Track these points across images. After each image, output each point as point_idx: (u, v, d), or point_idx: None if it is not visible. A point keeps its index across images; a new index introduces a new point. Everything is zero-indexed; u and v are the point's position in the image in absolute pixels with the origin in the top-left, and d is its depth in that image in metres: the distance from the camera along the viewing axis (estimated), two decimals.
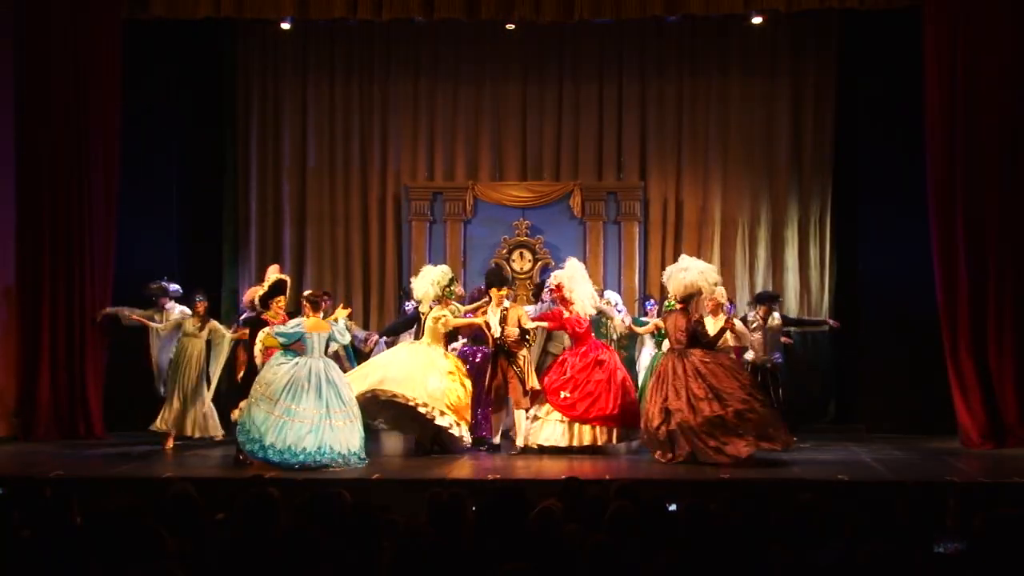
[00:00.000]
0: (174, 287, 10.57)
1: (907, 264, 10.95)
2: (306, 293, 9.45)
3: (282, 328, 8.94)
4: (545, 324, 9.98)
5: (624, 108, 12.39)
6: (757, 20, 11.37)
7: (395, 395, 9.33)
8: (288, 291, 9.65)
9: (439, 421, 9.28)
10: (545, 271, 11.46)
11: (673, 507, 5.02)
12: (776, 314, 10.71)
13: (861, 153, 11.71)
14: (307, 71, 12.53)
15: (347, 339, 9.64)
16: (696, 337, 9.12)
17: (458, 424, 9.36)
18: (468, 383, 9.55)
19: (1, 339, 10.66)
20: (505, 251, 11.91)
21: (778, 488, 6.75)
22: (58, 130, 10.69)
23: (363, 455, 8.86)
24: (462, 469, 8.81)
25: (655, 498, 5.13)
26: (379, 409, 9.60)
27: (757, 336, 10.44)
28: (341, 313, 9.57)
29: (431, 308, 9.79)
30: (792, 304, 12.02)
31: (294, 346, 8.89)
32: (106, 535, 4.25)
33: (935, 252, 10.31)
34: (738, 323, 10.10)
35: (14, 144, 10.71)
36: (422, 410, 9.27)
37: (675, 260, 12.19)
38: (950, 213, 10.26)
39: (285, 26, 11.48)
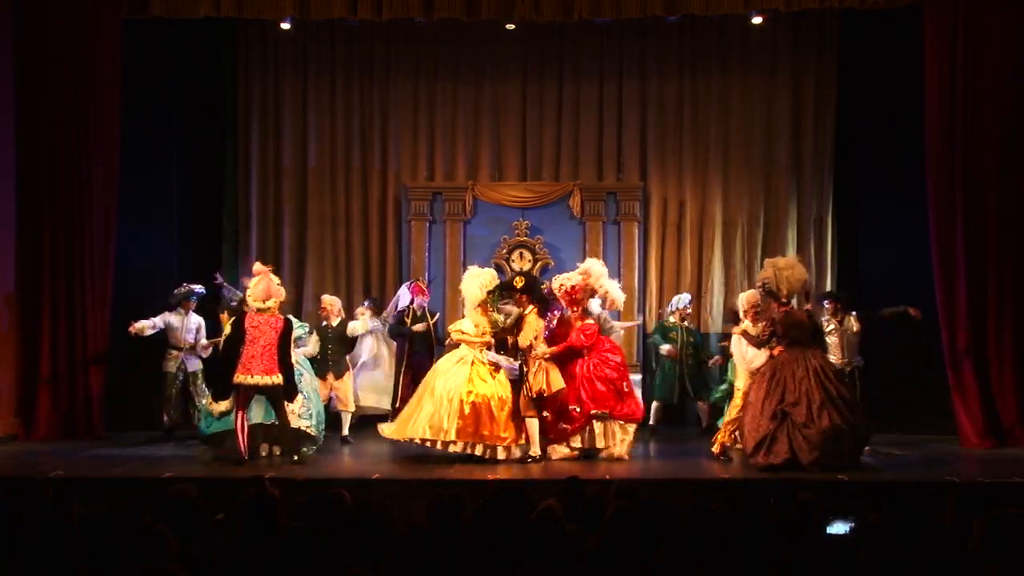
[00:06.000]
0: (199, 288, 10.65)
1: (907, 264, 10.94)
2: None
3: None
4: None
5: (624, 108, 12.38)
6: (757, 20, 11.36)
7: None
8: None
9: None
10: (545, 272, 11.44)
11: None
12: (852, 316, 10.10)
13: (861, 153, 11.70)
14: (307, 71, 12.52)
15: None
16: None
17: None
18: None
19: (2, 338, 10.67)
20: (505, 251, 11.90)
21: (778, 488, 6.75)
22: (58, 130, 10.68)
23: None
24: (462, 469, 8.81)
25: (655, 498, 5.13)
26: None
27: (834, 340, 9.91)
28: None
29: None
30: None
31: None
32: (106, 535, 4.25)
33: (934, 252, 10.32)
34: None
35: (14, 144, 10.71)
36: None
37: (676, 261, 12.31)
38: (950, 213, 10.26)
39: (285, 26, 11.47)
